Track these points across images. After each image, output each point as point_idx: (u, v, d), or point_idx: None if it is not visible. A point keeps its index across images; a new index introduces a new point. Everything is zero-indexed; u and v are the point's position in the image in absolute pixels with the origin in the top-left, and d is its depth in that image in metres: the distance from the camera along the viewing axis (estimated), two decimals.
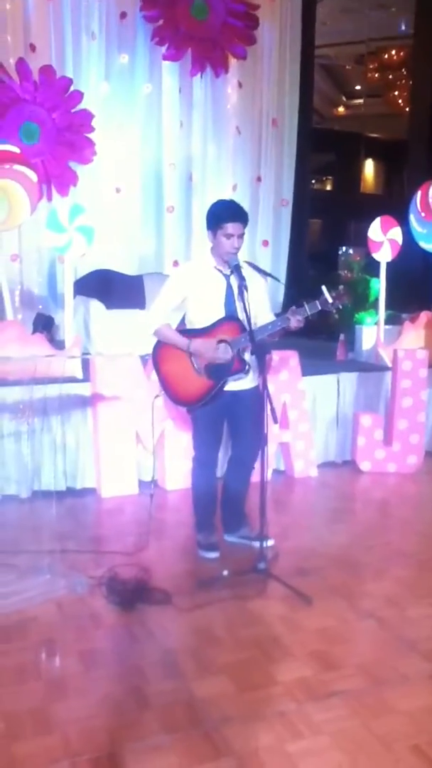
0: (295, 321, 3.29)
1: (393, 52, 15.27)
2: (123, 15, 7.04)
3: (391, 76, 15.57)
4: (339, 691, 2.50)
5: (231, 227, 3.32)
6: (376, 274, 6.14)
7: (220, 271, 3.45)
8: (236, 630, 2.92)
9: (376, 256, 5.93)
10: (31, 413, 4.25)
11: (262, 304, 3.52)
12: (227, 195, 7.45)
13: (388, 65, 15.54)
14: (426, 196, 6.22)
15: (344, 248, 11.53)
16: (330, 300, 3.27)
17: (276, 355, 4.89)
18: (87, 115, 6.51)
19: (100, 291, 6.31)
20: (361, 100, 16.01)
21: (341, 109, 16.61)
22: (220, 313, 3.42)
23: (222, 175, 7.85)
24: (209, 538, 3.70)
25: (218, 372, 3.41)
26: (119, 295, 6.38)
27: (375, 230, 5.86)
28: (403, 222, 6.14)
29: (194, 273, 3.50)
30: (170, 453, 4.68)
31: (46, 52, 6.63)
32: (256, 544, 3.42)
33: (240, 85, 7.82)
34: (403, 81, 14.70)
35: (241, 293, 3.31)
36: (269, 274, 3.62)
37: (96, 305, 6.06)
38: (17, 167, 5.03)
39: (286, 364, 4.95)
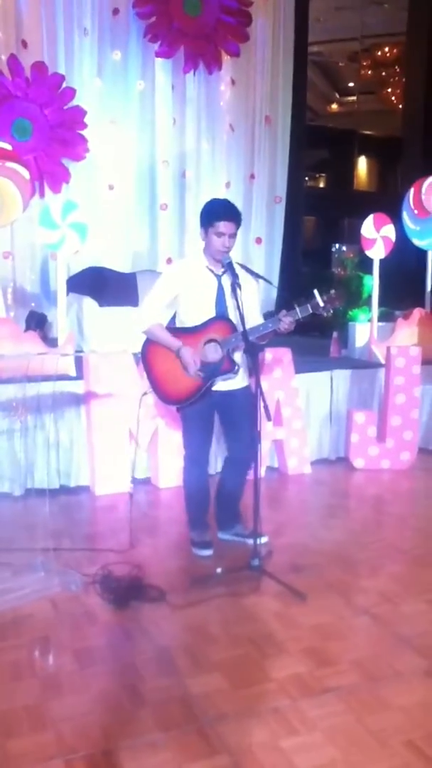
0: (285, 323, 3.29)
1: (386, 48, 15.27)
2: (116, 11, 7.03)
3: (384, 73, 15.58)
4: (333, 687, 2.50)
5: (223, 226, 3.31)
6: (370, 271, 6.15)
7: (212, 271, 3.44)
8: (230, 627, 2.92)
9: (369, 253, 5.94)
10: (24, 411, 4.24)
11: (253, 306, 3.52)
12: (221, 192, 7.46)
13: (382, 62, 15.54)
14: (419, 193, 6.24)
15: (338, 245, 11.53)
16: (321, 304, 3.27)
17: (269, 353, 4.90)
18: (80, 112, 6.50)
19: (94, 288, 6.30)
20: (354, 97, 16.02)
21: (335, 106, 16.60)
22: (211, 313, 3.42)
23: (215, 173, 7.85)
24: (203, 535, 3.70)
25: (207, 371, 3.41)
26: (112, 293, 6.36)
27: (368, 227, 5.87)
28: (397, 219, 6.15)
29: (186, 272, 3.50)
30: (163, 451, 4.67)
31: (39, 48, 6.61)
32: (250, 541, 3.42)
33: (233, 82, 7.82)
34: (397, 78, 14.71)
35: (234, 291, 3.31)
36: (261, 277, 3.62)
37: (89, 302, 6.04)
38: (9, 164, 5.02)
39: (279, 361, 4.96)
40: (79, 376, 4.68)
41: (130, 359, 4.64)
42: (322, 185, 16.48)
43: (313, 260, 10.85)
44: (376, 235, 5.88)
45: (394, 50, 14.91)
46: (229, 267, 3.36)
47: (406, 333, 5.97)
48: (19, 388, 4.20)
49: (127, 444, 4.61)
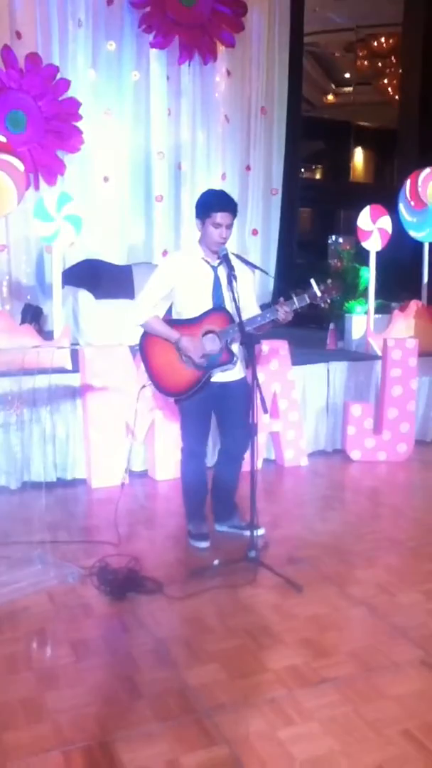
0: (283, 313, 3.29)
1: (382, 39, 15.20)
2: (110, 1, 6.97)
3: (380, 64, 15.51)
4: (330, 677, 2.51)
5: (219, 217, 3.31)
6: (366, 263, 6.13)
7: (208, 263, 3.44)
8: (227, 618, 2.93)
9: (365, 245, 5.92)
10: (20, 404, 4.23)
11: (249, 297, 3.52)
12: (216, 184, 7.42)
13: (378, 53, 15.47)
14: (415, 185, 6.22)
15: (334, 237, 11.54)
16: (319, 294, 3.28)
17: (266, 345, 4.89)
18: (74, 104, 6.46)
19: (89, 281, 6.27)
20: (350, 88, 15.97)
21: (331, 97, 16.54)
22: (208, 305, 3.42)
23: (211, 164, 7.82)
24: (200, 528, 3.70)
25: (206, 363, 3.40)
26: (108, 285, 6.34)
27: (364, 219, 5.85)
28: (393, 211, 6.13)
29: (182, 263, 3.49)
30: (160, 443, 4.67)
31: (32, 39, 6.56)
32: (247, 533, 3.43)
33: (228, 73, 7.77)
34: (393, 69, 14.64)
35: (230, 282, 3.31)
36: (258, 267, 3.62)
37: (85, 295, 6.02)
38: (3, 156, 4.98)
39: (276, 353, 4.95)
40: (75, 369, 4.67)
41: (126, 352, 4.63)
42: (318, 177, 16.46)
43: (309, 252, 10.85)
44: (373, 227, 5.86)
45: (390, 41, 14.84)
46: (225, 258, 3.35)
47: (403, 325, 5.97)
48: (15, 381, 4.20)
49: (124, 436, 4.61)
